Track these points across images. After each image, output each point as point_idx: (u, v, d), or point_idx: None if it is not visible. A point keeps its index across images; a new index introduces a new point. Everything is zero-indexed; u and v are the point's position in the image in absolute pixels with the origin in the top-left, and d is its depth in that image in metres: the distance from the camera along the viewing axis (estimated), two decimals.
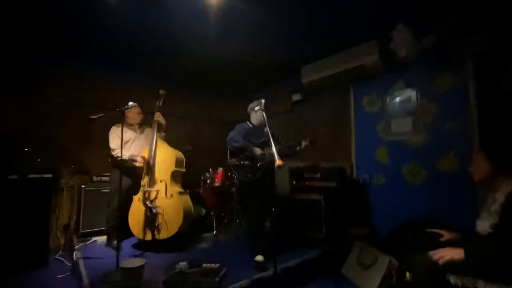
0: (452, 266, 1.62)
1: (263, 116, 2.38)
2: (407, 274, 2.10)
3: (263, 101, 2.46)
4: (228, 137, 2.64)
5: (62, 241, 3.28)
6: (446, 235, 1.91)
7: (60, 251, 3.07)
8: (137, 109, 2.96)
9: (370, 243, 2.56)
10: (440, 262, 1.63)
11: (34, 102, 3.36)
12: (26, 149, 2.91)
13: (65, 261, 2.84)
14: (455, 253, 1.64)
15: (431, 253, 1.71)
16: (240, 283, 1.98)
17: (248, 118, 2.80)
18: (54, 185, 3.18)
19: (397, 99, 3.05)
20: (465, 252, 1.61)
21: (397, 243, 2.20)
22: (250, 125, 2.73)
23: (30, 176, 2.78)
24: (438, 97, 2.73)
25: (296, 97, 4.12)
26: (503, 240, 1.53)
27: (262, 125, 2.54)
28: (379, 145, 3.19)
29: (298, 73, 3.78)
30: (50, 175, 2.91)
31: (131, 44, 3.25)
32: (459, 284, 1.60)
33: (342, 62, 3.25)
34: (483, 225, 1.73)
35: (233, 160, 2.60)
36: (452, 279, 1.63)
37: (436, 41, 2.67)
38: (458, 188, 2.51)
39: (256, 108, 2.69)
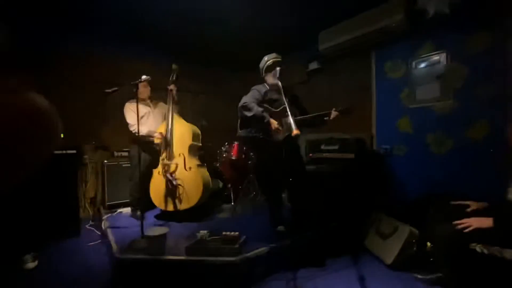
0: (478, 235, 1.57)
1: (277, 76, 2.09)
2: (428, 244, 2.07)
3: (278, 68, 2.24)
4: (240, 103, 2.27)
5: (91, 212, 3.51)
6: (472, 205, 1.83)
7: (90, 221, 3.30)
8: (145, 83, 2.91)
9: (390, 213, 2.52)
10: (466, 230, 1.58)
11: (51, 81, 3.41)
12: None
13: (95, 230, 3.05)
14: (483, 222, 1.58)
15: (456, 222, 1.65)
16: (259, 250, 2.04)
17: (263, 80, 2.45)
18: (79, 160, 3.33)
19: (424, 63, 2.81)
20: (495, 221, 1.55)
21: (420, 214, 2.14)
22: (268, 88, 2.39)
23: (56, 152, 2.91)
24: (471, 59, 2.48)
25: (313, 65, 3.92)
26: None
27: (279, 87, 2.19)
28: (402, 113, 3.02)
29: (315, 40, 3.56)
30: (74, 151, 3.04)
31: (142, 19, 3.18)
32: (485, 253, 1.55)
33: (364, 25, 3.00)
34: None
35: (243, 132, 2.34)
36: (478, 248, 1.58)
37: None
38: (487, 157, 2.36)
39: (269, 62, 2.32)
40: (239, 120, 2.41)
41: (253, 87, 2.41)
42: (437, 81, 2.70)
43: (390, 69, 3.13)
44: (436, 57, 2.71)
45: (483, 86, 2.42)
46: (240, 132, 2.38)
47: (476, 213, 1.72)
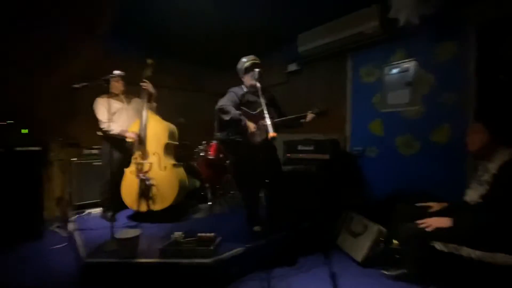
0: (438, 233, 1.69)
1: (256, 78, 2.09)
2: (394, 241, 2.19)
3: (257, 70, 2.23)
4: (217, 106, 2.27)
5: (57, 213, 3.30)
6: (434, 207, 1.97)
7: (55, 223, 3.10)
8: (117, 77, 2.78)
9: (361, 212, 2.63)
10: (427, 229, 1.69)
11: (14, 71, 3.16)
12: (11, 122, 2.79)
13: (60, 232, 2.88)
14: (442, 222, 1.70)
15: (418, 221, 1.77)
16: (234, 251, 2.04)
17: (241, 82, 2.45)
18: (44, 158, 3.11)
19: (396, 69, 2.96)
20: (452, 221, 1.67)
21: (387, 213, 2.26)
22: (245, 90, 2.38)
23: (18, 149, 2.71)
24: (437, 67, 2.65)
25: (292, 67, 3.97)
26: (491, 209, 1.58)
27: (257, 89, 2.17)
28: (374, 117, 3.16)
29: (295, 41, 3.61)
30: (39, 148, 2.84)
31: (120, 11, 3.02)
32: (444, 250, 1.67)
33: (341, 29, 3.09)
34: (472, 195, 1.78)
35: (221, 134, 2.33)
36: (438, 245, 1.70)
37: (439, 7, 2.52)
38: (450, 159, 2.54)
39: (247, 64, 2.33)
40: (215, 122, 2.39)
41: (230, 89, 2.39)
42: (407, 87, 2.85)
43: (365, 73, 3.25)
44: (406, 65, 2.86)
45: (447, 93, 2.59)
46: (218, 135, 2.36)
47: (437, 213, 1.85)
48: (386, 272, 2.03)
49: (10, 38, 3.10)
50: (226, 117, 2.19)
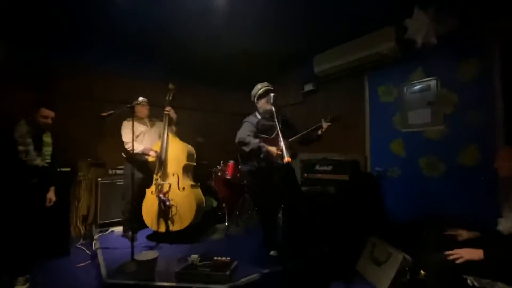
0: (469, 266, 1.56)
1: (271, 102, 2.10)
2: (422, 272, 2.05)
3: (272, 95, 2.27)
4: (236, 139, 2.36)
5: (83, 231, 3.45)
6: (464, 235, 1.83)
7: (81, 240, 3.24)
8: (142, 103, 2.92)
9: (384, 238, 2.50)
10: (458, 262, 1.57)
11: (47, 96, 3.40)
12: None
13: (85, 250, 2.99)
14: (474, 254, 1.57)
15: (448, 252, 1.65)
16: (250, 276, 2.01)
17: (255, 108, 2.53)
18: (73, 178, 3.30)
19: (415, 88, 2.89)
20: (485, 253, 1.55)
21: (412, 240, 2.14)
22: (259, 117, 2.48)
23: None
24: (460, 86, 2.56)
25: (308, 87, 4.00)
26: None
27: (272, 113, 2.13)
28: (394, 137, 3.06)
29: (311, 62, 3.66)
30: (69, 169, 3.03)
31: (139, 37, 3.25)
32: (477, 286, 1.54)
33: (357, 50, 3.10)
34: (506, 224, 1.65)
35: (248, 165, 2.39)
36: (470, 280, 1.57)
37: (459, 25, 2.47)
38: (479, 183, 2.38)
39: (261, 91, 2.42)
40: (238, 156, 2.47)
41: (245, 120, 2.49)
42: (428, 106, 2.76)
43: (383, 93, 3.20)
44: (427, 83, 2.79)
45: (473, 112, 2.47)
46: (244, 167, 2.43)
47: (468, 243, 1.71)
48: None
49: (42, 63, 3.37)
50: (247, 148, 2.28)
